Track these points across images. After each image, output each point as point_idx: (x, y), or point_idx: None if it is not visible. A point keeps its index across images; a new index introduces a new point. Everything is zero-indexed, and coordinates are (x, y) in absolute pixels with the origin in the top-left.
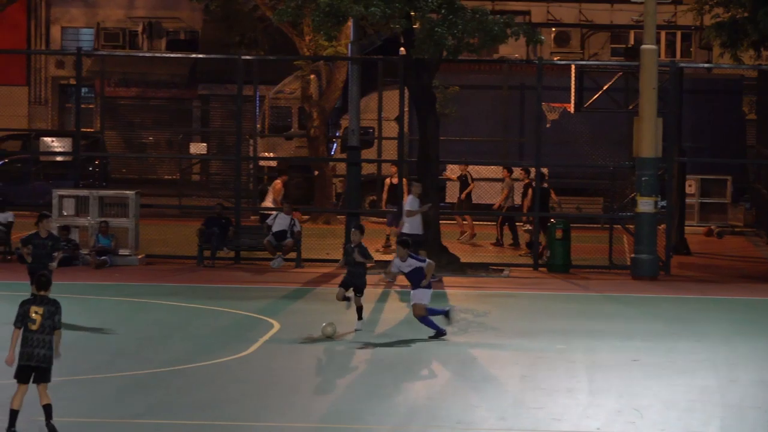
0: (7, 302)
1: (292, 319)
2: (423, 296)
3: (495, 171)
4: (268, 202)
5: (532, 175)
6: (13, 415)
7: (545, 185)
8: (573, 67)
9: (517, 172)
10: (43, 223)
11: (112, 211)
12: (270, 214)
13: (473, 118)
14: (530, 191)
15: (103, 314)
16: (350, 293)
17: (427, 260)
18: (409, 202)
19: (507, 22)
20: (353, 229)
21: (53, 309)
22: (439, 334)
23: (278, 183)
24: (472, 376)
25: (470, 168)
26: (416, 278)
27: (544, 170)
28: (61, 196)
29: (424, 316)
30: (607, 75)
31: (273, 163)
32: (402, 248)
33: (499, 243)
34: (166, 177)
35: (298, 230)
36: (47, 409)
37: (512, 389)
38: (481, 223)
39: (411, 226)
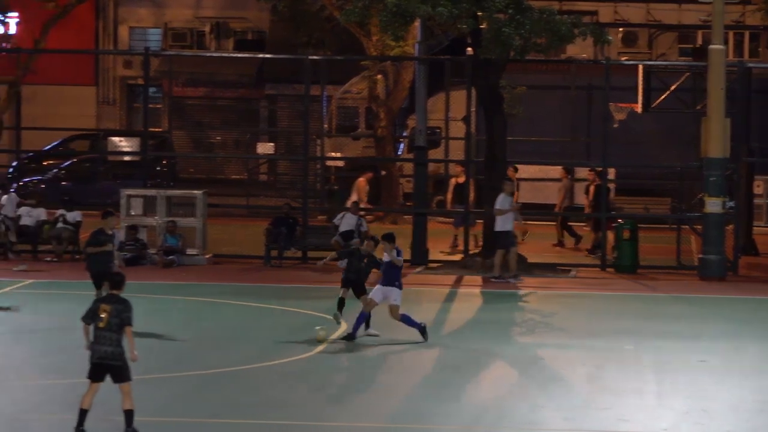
0: (75, 301)
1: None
2: (398, 297)
3: (559, 171)
4: (353, 201)
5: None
6: (83, 414)
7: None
8: (640, 67)
9: (586, 172)
10: (107, 220)
11: (179, 210)
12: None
13: (540, 119)
14: (591, 190)
15: (172, 314)
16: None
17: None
18: (500, 201)
19: (574, 22)
20: (367, 240)
21: (121, 307)
22: (423, 332)
23: (362, 181)
24: (539, 376)
25: (537, 168)
26: (389, 273)
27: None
28: (129, 196)
29: (403, 314)
30: (674, 75)
31: (340, 163)
32: (388, 242)
33: (560, 244)
34: (233, 177)
35: (365, 230)
36: (127, 415)
37: (579, 389)
38: (542, 223)
39: (502, 223)
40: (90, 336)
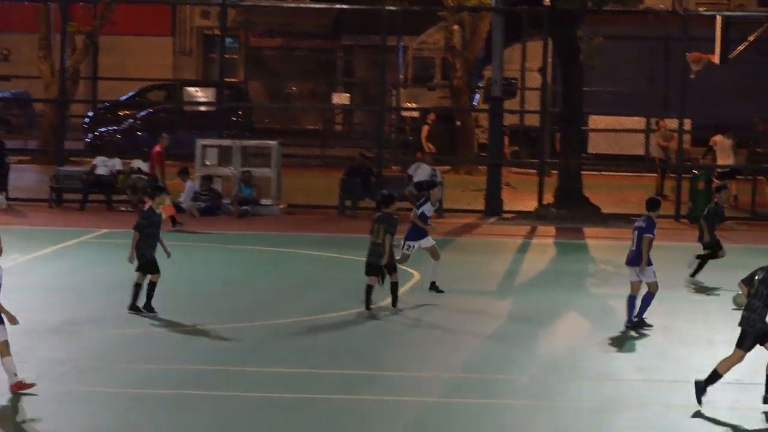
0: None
1: (432, 270)
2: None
3: (638, 122)
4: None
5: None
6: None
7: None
8: (718, 17)
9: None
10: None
11: (254, 161)
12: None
13: (617, 70)
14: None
15: (246, 263)
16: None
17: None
18: None
19: None
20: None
21: None
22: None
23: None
24: (611, 327)
25: (613, 119)
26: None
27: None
28: (205, 146)
29: None
30: (753, 26)
31: (415, 114)
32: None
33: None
34: (309, 127)
35: (439, 181)
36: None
37: (652, 340)
38: (616, 174)
39: None
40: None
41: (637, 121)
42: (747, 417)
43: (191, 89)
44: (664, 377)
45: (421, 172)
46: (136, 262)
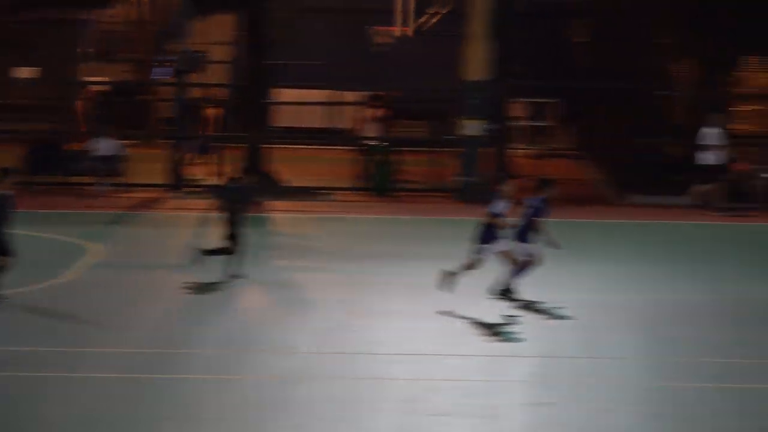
0: None
1: (115, 245)
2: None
3: (320, 95)
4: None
5: None
6: None
7: None
8: None
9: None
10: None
11: None
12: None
13: (308, 42)
14: None
15: None
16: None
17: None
18: None
19: None
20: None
21: None
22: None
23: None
24: (291, 299)
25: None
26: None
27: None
28: None
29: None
30: None
31: (102, 87)
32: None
33: None
34: None
35: (125, 154)
36: None
37: (332, 313)
38: (300, 146)
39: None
40: None
41: (320, 94)
42: (427, 388)
43: None
44: (345, 349)
45: (105, 146)
46: None
